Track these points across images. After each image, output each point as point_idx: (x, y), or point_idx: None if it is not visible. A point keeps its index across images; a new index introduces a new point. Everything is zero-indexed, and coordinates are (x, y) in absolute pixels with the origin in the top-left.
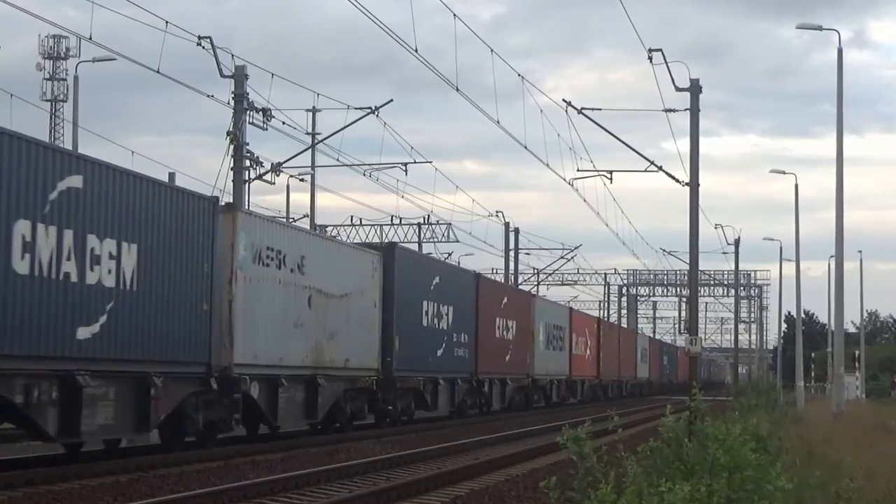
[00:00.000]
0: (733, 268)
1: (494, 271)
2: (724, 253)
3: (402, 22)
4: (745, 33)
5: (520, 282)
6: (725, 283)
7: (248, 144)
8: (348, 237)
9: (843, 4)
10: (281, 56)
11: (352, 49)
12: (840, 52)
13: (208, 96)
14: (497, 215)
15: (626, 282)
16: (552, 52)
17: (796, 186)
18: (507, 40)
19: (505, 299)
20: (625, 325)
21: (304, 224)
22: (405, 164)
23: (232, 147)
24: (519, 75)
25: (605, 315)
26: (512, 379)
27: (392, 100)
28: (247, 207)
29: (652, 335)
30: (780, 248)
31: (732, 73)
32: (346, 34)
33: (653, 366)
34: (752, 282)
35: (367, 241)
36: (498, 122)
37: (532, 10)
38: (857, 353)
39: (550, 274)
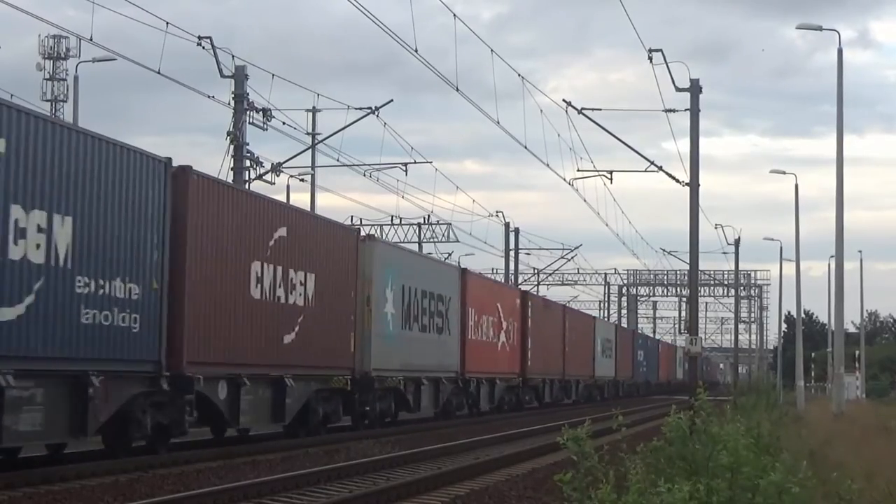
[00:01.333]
0: (733, 268)
1: (495, 271)
2: (725, 253)
3: (405, 22)
4: (750, 33)
5: (520, 282)
6: (725, 283)
7: (248, 144)
8: None
9: (847, 4)
10: (283, 56)
11: (354, 49)
12: (840, 52)
13: (209, 97)
14: (497, 215)
15: (626, 282)
16: (554, 52)
17: (796, 186)
18: (509, 40)
19: (281, 231)
20: (624, 325)
21: None
22: (405, 164)
23: (232, 147)
24: (519, 76)
25: (606, 315)
26: (302, 377)
27: (392, 100)
28: None
29: (652, 334)
30: (781, 248)
31: (736, 72)
32: (349, 34)
33: (621, 362)
34: (752, 282)
35: None
36: (498, 123)
37: (534, 10)
38: (857, 353)
39: (550, 274)
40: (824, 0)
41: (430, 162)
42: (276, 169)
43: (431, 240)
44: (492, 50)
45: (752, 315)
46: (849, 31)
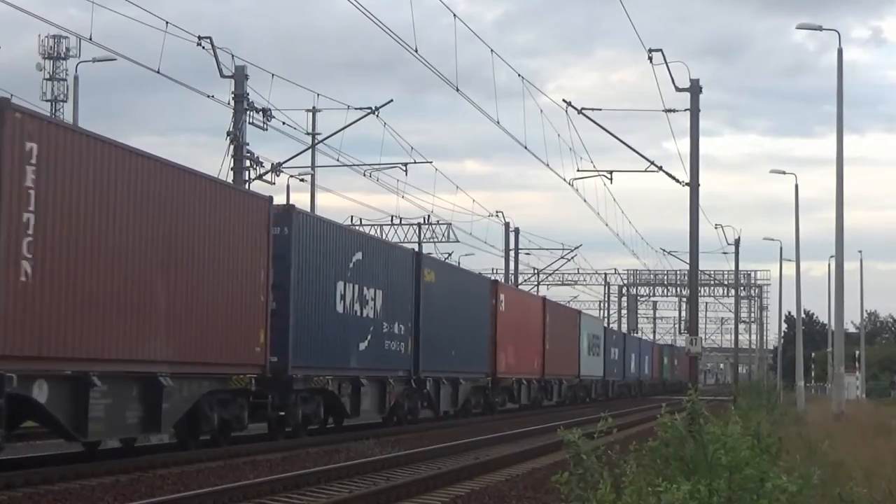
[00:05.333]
0: (733, 268)
1: (495, 271)
2: (725, 253)
3: (411, 20)
4: (760, 31)
5: (520, 282)
6: (725, 283)
7: (248, 144)
8: None
9: (860, 3)
10: (288, 54)
11: (361, 47)
12: (840, 52)
13: (208, 96)
14: (497, 215)
15: (626, 282)
16: (560, 52)
17: (796, 187)
18: (515, 39)
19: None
20: (623, 328)
21: None
22: (405, 164)
23: (232, 147)
24: (519, 76)
25: (605, 315)
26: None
27: (392, 100)
28: None
29: (652, 335)
30: (781, 248)
31: (745, 71)
32: (356, 32)
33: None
34: (753, 282)
35: None
36: (498, 123)
37: (542, 8)
38: (857, 353)
39: (550, 274)
40: None
41: (430, 162)
42: (276, 169)
43: (431, 240)
44: (492, 50)
45: (752, 315)
46: (861, 30)
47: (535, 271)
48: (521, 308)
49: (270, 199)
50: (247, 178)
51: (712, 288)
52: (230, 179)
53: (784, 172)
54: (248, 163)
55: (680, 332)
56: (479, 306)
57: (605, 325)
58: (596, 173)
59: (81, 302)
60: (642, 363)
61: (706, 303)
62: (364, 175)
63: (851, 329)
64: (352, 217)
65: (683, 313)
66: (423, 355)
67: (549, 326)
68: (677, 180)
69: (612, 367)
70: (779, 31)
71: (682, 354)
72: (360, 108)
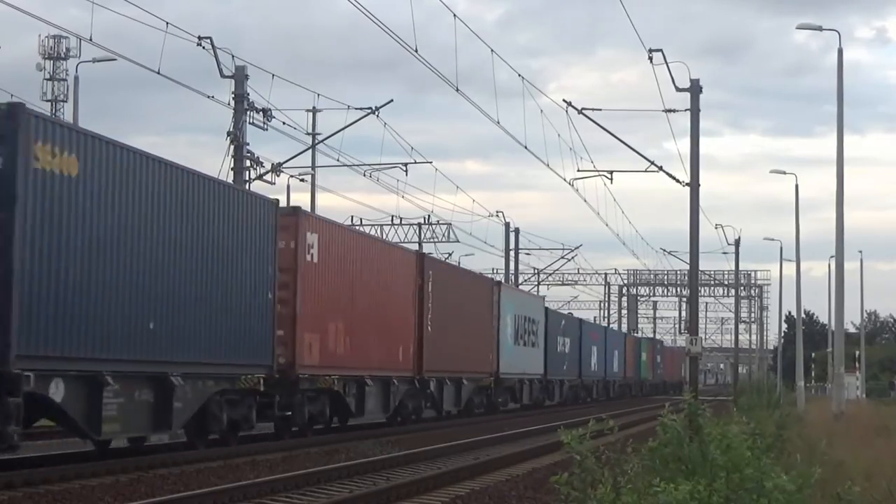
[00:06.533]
0: (733, 268)
1: (495, 271)
2: (725, 253)
3: (411, 20)
4: (763, 30)
5: (520, 282)
6: (726, 283)
7: (248, 144)
8: None
9: (863, 3)
10: (290, 53)
11: (363, 46)
12: (840, 52)
13: (208, 97)
14: (497, 215)
15: (626, 282)
16: (562, 51)
17: (797, 187)
18: (515, 38)
19: None
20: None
21: None
22: (405, 165)
23: (232, 147)
24: (519, 75)
25: (606, 315)
26: None
27: (392, 100)
28: None
29: (652, 334)
30: (781, 248)
31: (749, 70)
32: (356, 32)
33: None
34: (753, 282)
35: None
36: (498, 123)
37: (544, 7)
38: (857, 353)
39: (551, 274)
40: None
41: (430, 162)
42: (277, 169)
43: (431, 240)
44: (492, 50)
45: (753, 315)
46: (864, 30)
47: (536, 271)
48: (365, 262)
49: None
50: (247, 178)
51: (712, 288)
52: (230, 179)
53: (784, 172)
54: (248, 163)
55: (680, 332)
56: (250, 247)
57: (596, 319)
58: (596, 173)
59: None
60: (609, 359)
61: (706, 303)
62: (364, 175)
63: (851, 329)
64: (352, 217)
65: (683, 313)
66: (28, 326)
67: (432, 298)
68: (677, 180)
69: (560, 362)
70: (781, 30)
71: (667, 350)
72: (361, 108)
